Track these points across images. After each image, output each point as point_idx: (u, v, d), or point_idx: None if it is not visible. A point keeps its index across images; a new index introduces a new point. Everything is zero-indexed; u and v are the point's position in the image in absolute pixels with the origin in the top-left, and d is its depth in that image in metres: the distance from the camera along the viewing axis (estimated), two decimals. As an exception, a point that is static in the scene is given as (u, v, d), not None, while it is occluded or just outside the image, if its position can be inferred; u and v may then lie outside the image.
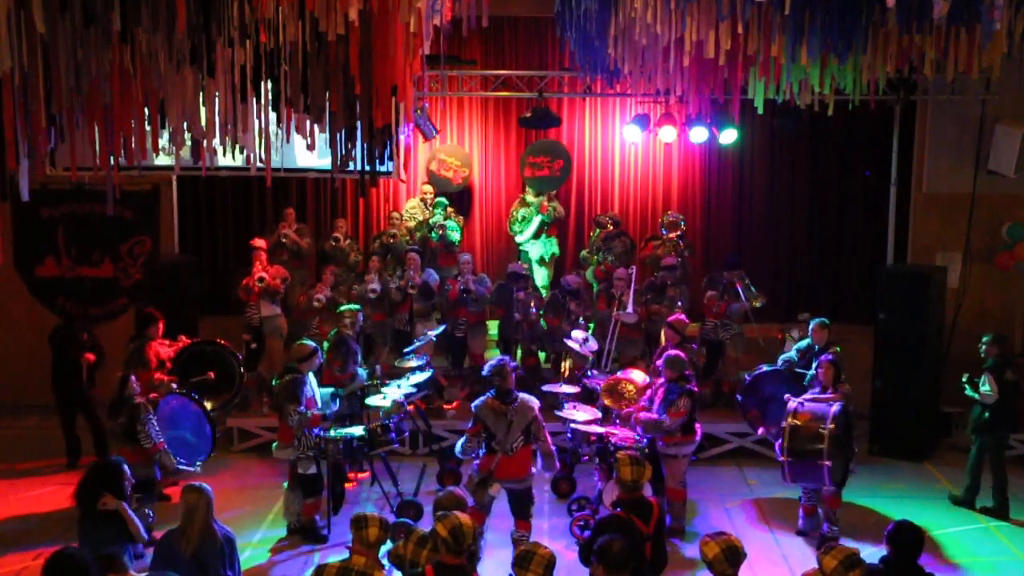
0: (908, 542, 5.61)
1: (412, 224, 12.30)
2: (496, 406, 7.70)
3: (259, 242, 11.46)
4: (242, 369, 10.25)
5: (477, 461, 7.87)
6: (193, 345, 10.11)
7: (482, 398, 7.84)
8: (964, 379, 9.39)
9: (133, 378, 8.51)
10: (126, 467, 6.55)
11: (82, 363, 10.17)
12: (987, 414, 9.19)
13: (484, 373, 8.02)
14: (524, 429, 7.70)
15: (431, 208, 12.31)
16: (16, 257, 11.15)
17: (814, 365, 9.37)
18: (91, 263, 11.31)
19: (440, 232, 11.86)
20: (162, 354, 9.79)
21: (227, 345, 10.25)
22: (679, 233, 11.92)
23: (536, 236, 12.44)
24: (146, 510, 8.10)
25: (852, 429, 8.71)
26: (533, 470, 7.93)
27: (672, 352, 8.79)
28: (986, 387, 9.11)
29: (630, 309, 10.70)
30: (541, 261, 12.51)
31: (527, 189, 12.58)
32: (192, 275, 11.98)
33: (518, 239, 12.58)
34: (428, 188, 12.51)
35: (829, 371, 8.75)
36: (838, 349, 9.55)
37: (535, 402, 7.86)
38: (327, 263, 11.89)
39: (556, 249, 12.60)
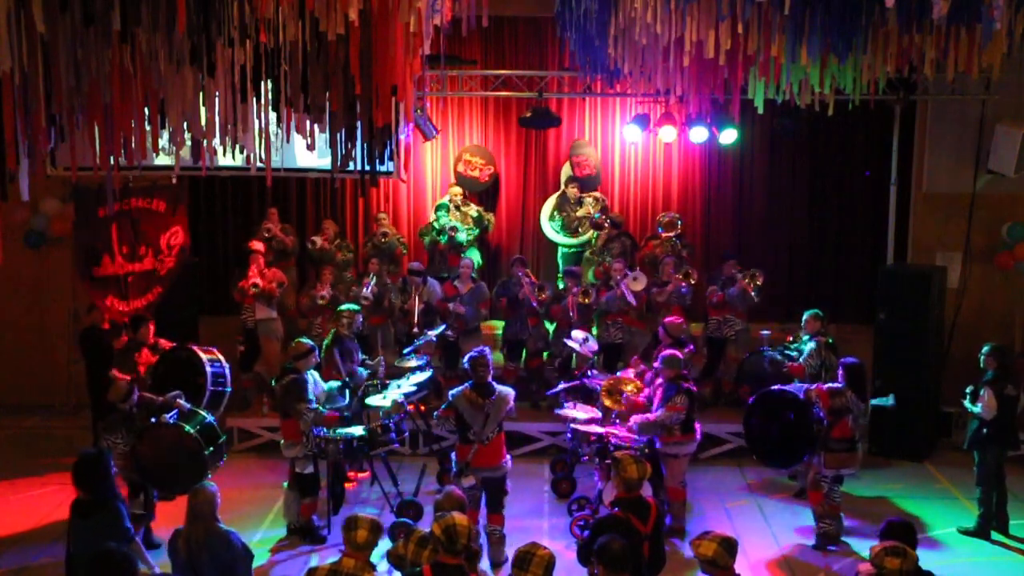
0: (902, 539, 5.59)
1: (451, 222, 12.18)
2: (473, 398, 7.83)
3: (257, 245, 11.44)
4: (208, 383, 9.50)
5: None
6: (171, 351, 9.75)
7: (460, 388, 7.98)
8: (967, 391, 8.94)
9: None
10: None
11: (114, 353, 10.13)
12: (985, 429, 8.69)
13: (464, 363, 8.17)
14: (500, 420, 7.86)
15: (459, 210, 12.34)
16: (77, 258, 11.34)
17: (803, 353, 9.71)
18: (138, 258, 11.44)
19: (451, 235, 11.95)
20: (146, 360, 9.71)
21: (200, 354, 9.52)
22: (676, 233, 11.94)
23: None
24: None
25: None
26: (507, 458, 8.04)
27: (668, 352, 8.81)
28: (983, 403, 8.63)
29: (636, 273, 10.95)
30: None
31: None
32: (192, 275, 11.95)
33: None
34: (457, 190, 12.52)
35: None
36: (829, 340, 9.61)
37: (511, 392, 8.01)
38: (315, 264, 11.87)
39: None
